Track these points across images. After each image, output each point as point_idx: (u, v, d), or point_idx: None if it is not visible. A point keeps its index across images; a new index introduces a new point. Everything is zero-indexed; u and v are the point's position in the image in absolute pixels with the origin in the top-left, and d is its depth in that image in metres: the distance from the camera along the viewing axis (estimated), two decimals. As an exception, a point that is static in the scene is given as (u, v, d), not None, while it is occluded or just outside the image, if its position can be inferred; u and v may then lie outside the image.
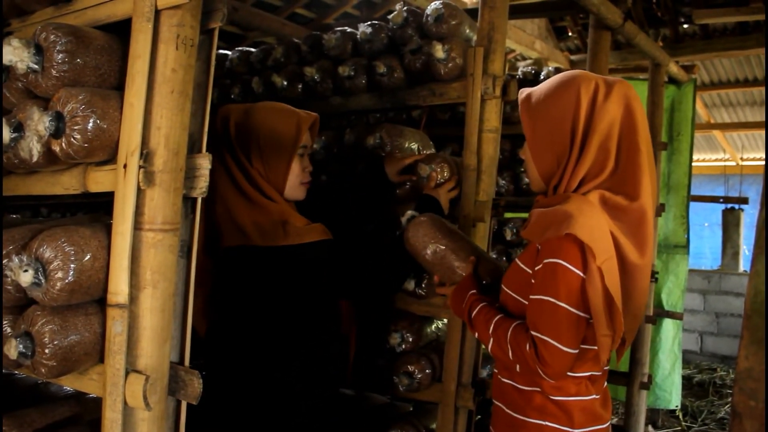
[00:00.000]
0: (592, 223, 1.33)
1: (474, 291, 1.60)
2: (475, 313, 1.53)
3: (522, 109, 1.50)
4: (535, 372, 1.37)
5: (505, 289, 1.53)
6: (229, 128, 1.79)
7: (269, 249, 1.67)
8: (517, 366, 1.44)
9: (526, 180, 2.42)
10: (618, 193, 1.40)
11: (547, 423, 1.43)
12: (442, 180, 2.10)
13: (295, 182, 1.83)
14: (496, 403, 1.56)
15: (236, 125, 1.79)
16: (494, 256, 2.83)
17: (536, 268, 1.39)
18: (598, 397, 1.47)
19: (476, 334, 1.54)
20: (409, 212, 1.88)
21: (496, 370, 1.58)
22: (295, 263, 1.69)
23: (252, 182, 1.77)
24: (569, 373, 1.42)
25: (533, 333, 1.35)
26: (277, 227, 1.70)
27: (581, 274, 1.32)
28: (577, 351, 1.35)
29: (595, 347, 1.38)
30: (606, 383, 1.55)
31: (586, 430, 1.43)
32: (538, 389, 1.44)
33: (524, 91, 1.52)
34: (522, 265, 1.48)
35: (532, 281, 1.39)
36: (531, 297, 1.38)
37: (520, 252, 1.78)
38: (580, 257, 1.32)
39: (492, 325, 1.47)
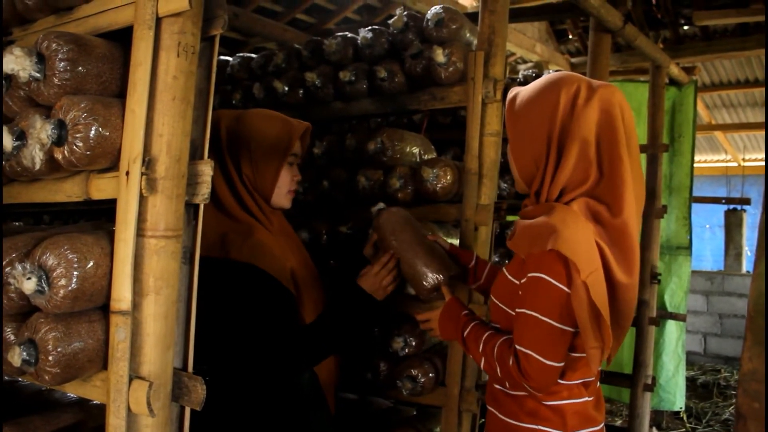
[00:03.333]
0: (577, 235, 1.32)
1: (466, 312, 1.60)
2: (467, 332, 1.53)
3: (507, 108, 1.49)
4: (521, 387, 1.37)
5: (494, 300, 1.53)
6: (219, 134, 1.77)
7: (224, 261, 1.66)
8: (507, 383, 1.44)
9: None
10: (601, 203, 1.38)
11: (540, 427, 1.42)
12: (445, 183, 2.10)
13: (282, 190, 1.82)
14: (490, 408, 1.56)
15: (228, 131, 1.78)
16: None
17: (522, 281, 1.38)
18: (590, 399, 1.47)
19: (470, 356, 1.53)
20: (381, 204, 1.96)
21: (489, 376, 1.58)
22: (238, 280, 1.66)
23: (234, 191, 1.76)
24: (562, 381, 1.42)
25: (517, 346, 1.35)
26: (238, 238, 1.69)
27: (566, 289, 1.31)
28: (561, 364, 1.34)
29: (585, 355, 1.37)
30: (599, 384, 1.55)
31: None
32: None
33: (513, 90, 1.51)
34: (510, 276, 1.48)
35: (519, 293, 1.39)
36: (516, 310, 1.38)
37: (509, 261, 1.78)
38: (564, 272, 1.31)
39: (481, 343, 1.46)
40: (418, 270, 1.78)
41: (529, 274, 1.35)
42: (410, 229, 1.84)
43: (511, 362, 1.35)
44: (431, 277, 1.77)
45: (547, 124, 1.40)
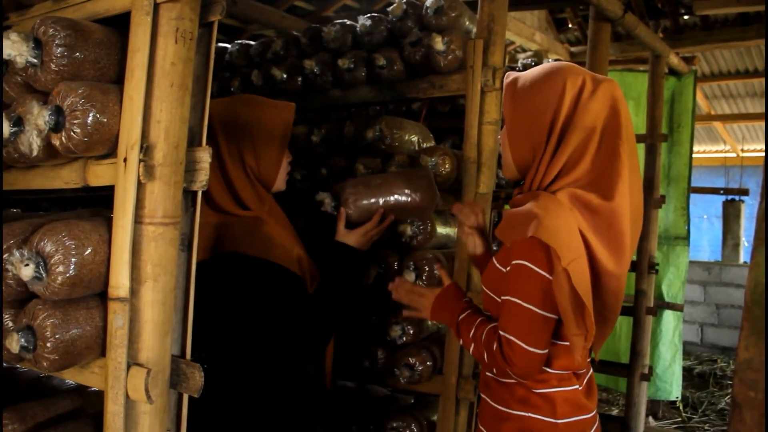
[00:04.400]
0: (558, 223, 1.32)
1: (467, 299, 1.60)
2: (461, 318, 1.53)
3: (506, 93, 1.48)
4: (505, 373, 1.37)
5: (485, 288, 1.53)
6: (212, 126, 1.72)
7: (234, 255, 1.66)
8: (494, 369, 1.44)
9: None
10: (590, 192, 1.37)
11: (530, 414, 1.43)
12: (444, 171, 2.10)
13: (283, 174, 1.83)
14: (483, 396, 1.57)
15: (223, 122, 1.74)
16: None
17: (507, 269, 1.39)
18: (581, 387, 1.47)
19: (461, 341, 1.53)
20: (326, 198, 1.95)
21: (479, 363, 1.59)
22: (256, 275, 1.66)
23: (229, 185, 1.74)
24: (551, 370, 1.42)
25: (501, 332, 1.36)
26: (245, 232, 1.69)
27: (547, 276, 1.31)
28: (544, 351, 1.35)
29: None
30: (593, 373, 1.55)
31: (570, 420, 1.43)
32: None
33: (511, 75, 1.50)
34: (498, 265, 1.48)
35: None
36: (502, 297, 1.39)
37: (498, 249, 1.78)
38: (546, 259, 1.31)
39: (473, 329, 1.47)
40: (413, 205, 1.95)
41: (513, 262, 1.36)
42: (378, 181, 1.93)
43: (495, 348, 1.36)
44: (427, 201, 1.97)
45: (551, 113, 1.39)
